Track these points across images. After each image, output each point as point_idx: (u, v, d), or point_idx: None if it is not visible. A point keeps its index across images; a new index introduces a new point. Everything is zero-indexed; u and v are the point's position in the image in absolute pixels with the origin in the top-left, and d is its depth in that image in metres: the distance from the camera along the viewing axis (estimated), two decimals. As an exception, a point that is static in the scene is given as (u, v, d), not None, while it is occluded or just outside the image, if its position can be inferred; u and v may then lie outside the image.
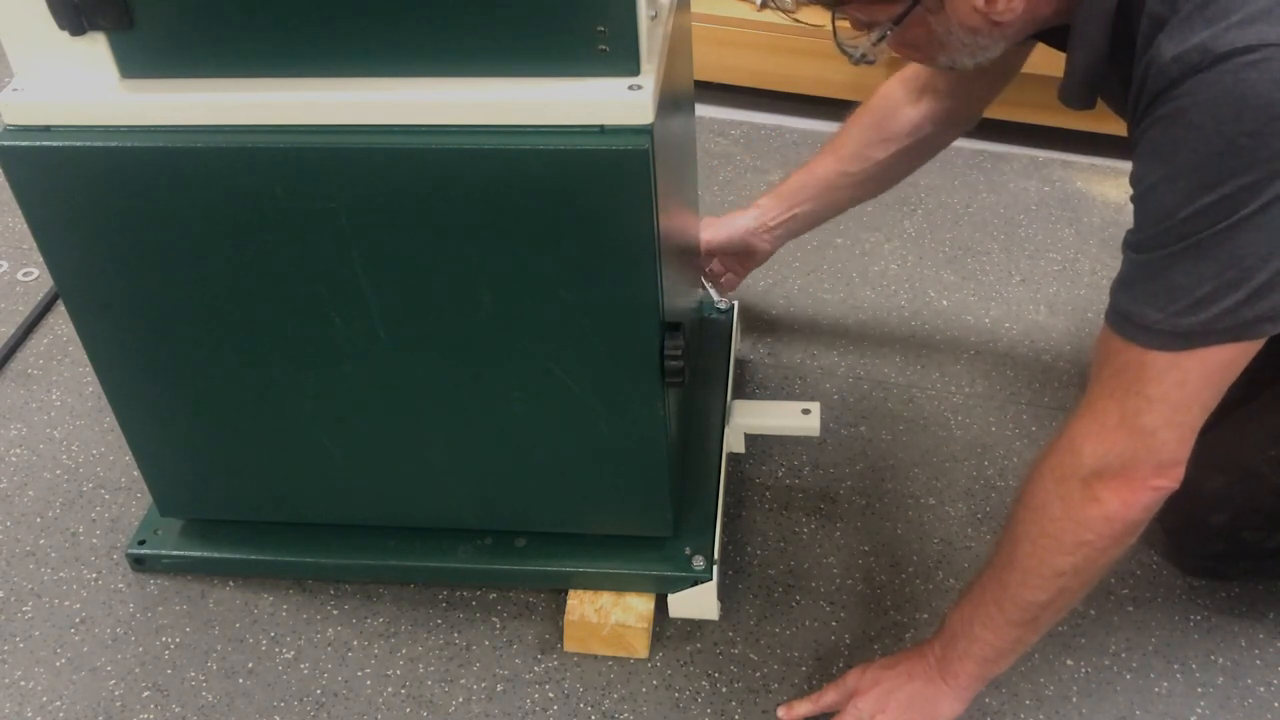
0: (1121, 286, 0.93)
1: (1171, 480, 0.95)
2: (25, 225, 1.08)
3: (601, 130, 0.97)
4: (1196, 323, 0.87)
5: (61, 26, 0.96)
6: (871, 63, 1.05)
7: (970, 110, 1.42)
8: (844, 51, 1.06)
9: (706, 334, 1.59)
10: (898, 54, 1.09)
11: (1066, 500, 0.98)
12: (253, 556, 1.38)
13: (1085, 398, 0.98)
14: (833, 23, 1.06)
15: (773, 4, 2.14)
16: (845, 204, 1.53)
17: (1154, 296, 0.89)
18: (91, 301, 1.14)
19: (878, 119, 1.44)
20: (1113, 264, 1.86)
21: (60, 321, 1.80)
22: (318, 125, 1.00)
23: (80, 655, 1.33)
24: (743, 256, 1.59)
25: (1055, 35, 1.02)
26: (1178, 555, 1.37)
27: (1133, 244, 0.92)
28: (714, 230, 1.55)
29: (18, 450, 1.59)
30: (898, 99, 1.42)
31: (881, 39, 1.02)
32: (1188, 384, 0.90)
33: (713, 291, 1.63)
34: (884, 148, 1.43)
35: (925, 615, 1.34)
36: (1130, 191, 0.93)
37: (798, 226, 1.54)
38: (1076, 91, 1.01)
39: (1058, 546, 1.00)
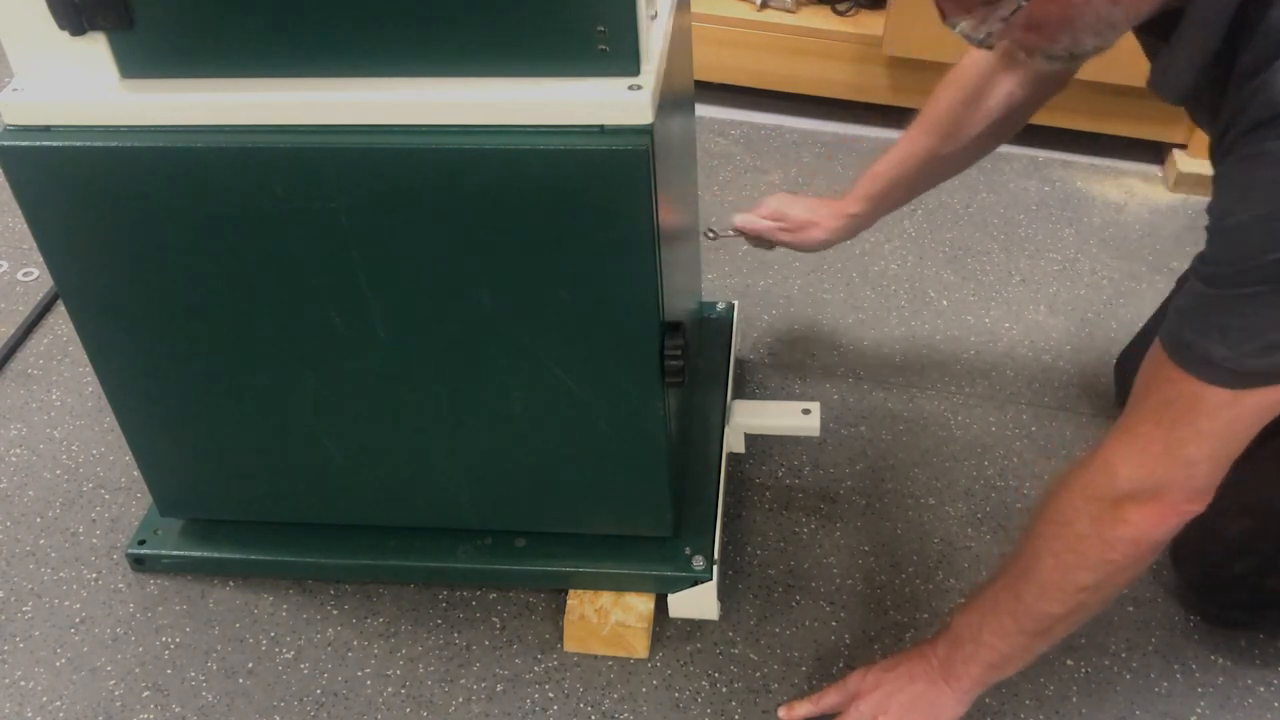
0: (1185, 316, 0.90)
1: (1201, 506, 0.94)
2: (25, 225, 1.08)
3: (601, 130, 0.97)
4: (1265, 365, 0.86)
5: (61, 26, 0.96)
6: (991, 46, 0.94)
7: (1056, 81, 1.33)
8: (964, 36, 0.94)
9: (706, 334, 1.59)
10: (1013, 40, 0.95)
11: (1096, 519, 0.97)
12: (253, 556, 1.38)
13: (1126, 418, 0.96)
14: (942, 12, 0.93)
15: (773, 4, 2.14)
16: (923, 190, 1.47)
17: (1223, 333, 0.86)
18: (91, 301, 1.14)
19: (969, 87, 1.33)
20: (1113, 264, 1.87)
21: (60, 321, 1.80)
22: (318, 125, 1.00)
23: (80, 655, 1.33)
24: (793, 228, 1.48)
25: (1154, 25, 0.94)
26: (1199, 604, 1.33)
27: (1206, 276, 0.88)
28: (786, 197, 1.49)
29: (18, 450, 1.59)
30: (985, 66, 1.31)
31: (1016, 10, 0.89)
32: (1239, 421, 0.89)
33: (713, 229, 1.55)
34: (978, 121, 1.34)
35: (925, 615, 1.34)
36: (1208, 220, 0.89)
37: (865, 223, 1.47)
38: (1178, 83, 0.94)
39: (1081, 562, 0.99)
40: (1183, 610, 1.34)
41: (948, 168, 1.43)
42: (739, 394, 1.61)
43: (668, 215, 1.09)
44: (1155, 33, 0.94)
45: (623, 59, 0.96)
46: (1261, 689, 1.26)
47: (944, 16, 0.93)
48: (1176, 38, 0.92)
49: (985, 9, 0.89)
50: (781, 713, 1.22)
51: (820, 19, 2.13)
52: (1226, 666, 1.28)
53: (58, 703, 1.29)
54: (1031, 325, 1.74)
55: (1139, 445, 0.94)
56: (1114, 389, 1.57)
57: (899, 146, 1.41)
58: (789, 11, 2.14)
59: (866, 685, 1.16)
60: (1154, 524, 0.95)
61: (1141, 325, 1.53)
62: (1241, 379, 0.87)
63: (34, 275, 1.90)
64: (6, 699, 1.29)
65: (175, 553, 1.39)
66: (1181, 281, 1.14)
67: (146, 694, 1.29)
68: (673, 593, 1.31)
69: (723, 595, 1.34)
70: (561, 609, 1.33)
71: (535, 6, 0.93)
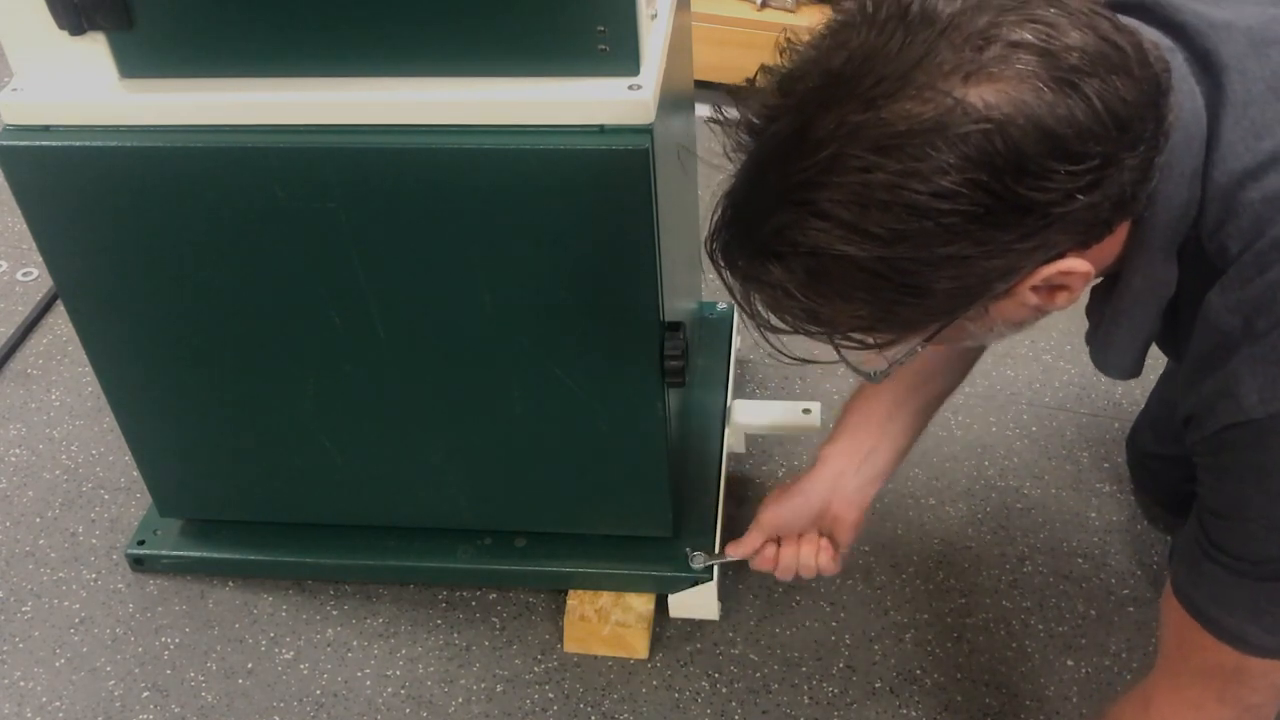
0: (1208, 595, 0.84)
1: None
2: (25, 225, 1.08)
3: (601, 130, 0.97)
4: None
5: (61, 26, 0.96)
6: (887, 376, 0.89)
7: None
8: (859, 373, 0.88)
9: (706, 334, 1.59)
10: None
11: None
12: (253, 556, 1.38)
13: (1170, 678, 0.92)
14: (836, 347, 0.81)
15: (773, 4, 2.14)
16: (921, 425, 1.17)
17: (1257, 618, 0.82)
18: (91, 301, 1.14)
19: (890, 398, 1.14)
20: (1113, 264, 1.86)
21: (60, 321, 1.80)
22: (317, 125, 1.00)
23: (80, 655, 1.33)
24: (831, 526, 1.14)
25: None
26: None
27: (1221, 563, 0.82)
28: (782, 507, 1.13)
29: (17, 450, 1.59)
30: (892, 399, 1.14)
31: (910, 353, 0.84)
32: None
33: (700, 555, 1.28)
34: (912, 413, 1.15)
35: (925, 615, 1.34)
36: (1203, 501, 0.84)
37: (882, 465, 1.14)
38: (1121, 364, 0.88)
39: None
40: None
41: (928, 409, 1.18)
42: (739, 394, 1.61)
43: (668, 215, 1.09)
44: (1094, 293, 0.88)
45: (623, 59, 0.96)
46: (1262, 689, 1.26)
47: (851, 366, 0.85)
48: (1110, 319, 0.86)
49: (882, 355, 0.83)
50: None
51: (821, 19, 2.13)
52: (1227, 666, 1.28)
53: (57, 703, 1.29)
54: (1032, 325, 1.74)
55: (1194, 706, 0.89)
56: (1125, 456, 1.52)
57: (884, 442, 1.14)
58: (789, 11, 2.14)
59: None
60: None
61: (1146, 401, 1.47)
62: None
63: (34, 275, 1.90)
64: (6, 699, 1.29)
65: (175, 553, 1.39)
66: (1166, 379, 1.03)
67: (146, 694, 1.29)
68: (673, 593, 1.31)
69: (723, 595, 1.34)
70: (561, 609, 1.32)
71: (535, 6, 0.93)
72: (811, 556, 1.13)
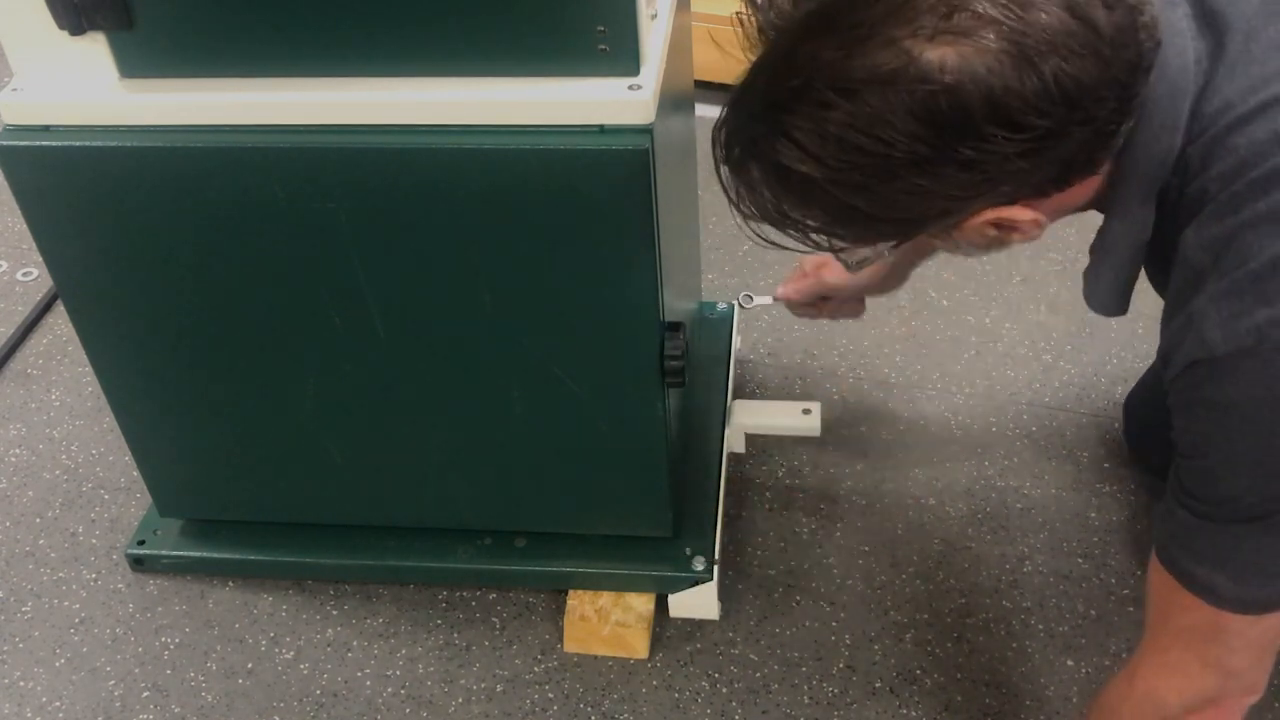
0: (1181, 544, 0.87)
1: (1260, 694, 0.92)
2: (25, 225, 1.08)
3: (601, 130, 0.97)
4: (1275, 593, 0.84)
5: (61, 26, 0.96)
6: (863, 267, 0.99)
7: None
8: (838, 259, 0.97)
9: (706, 334, 1.59)
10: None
11: None
12: (253, 556, 1.38)
13: (1153, 642, 0.93)
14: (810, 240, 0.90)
15: (773, 4, 2.13)
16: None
17: (1224, 566, 0.84)
18: (91, 301, 1.14)
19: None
20: (1113, 264, 1.86)
21: (60, 321, 1.80)
22: (317, 125, 1.00)
23: (80, 655, 1.33)
24: (838, 301, 1.42)
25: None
26: None
27: (1189, 508, 0.85)
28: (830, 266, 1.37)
29: (17, 450, 1.59)
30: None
31: (879, 255, 0.94)
32: (1270, 631, 0.87)
33: (749, 296, 1.51)
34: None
35: (925, 615, 1.34)
36: (1177, 444, 0.86)
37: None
38: (1107, 303, 0.94)
39: None
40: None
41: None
42: (739, 394, 1.61)
43: (668, 215, 1.09)
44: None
45: (623, 59, 0.96)
46: (1262, 689, 1.26)
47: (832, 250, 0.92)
48: (1097, 258, 0.92)
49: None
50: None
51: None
52: (1227, 666, 1.28)
53: (57, 703, 1.29)
54: (1032, 325, 1.74)
55: (1178, 672, 0.91)
56: (1121, 422, 1.54)
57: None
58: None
59: None
60: None
61: (1147, 367, 1.49)
62: (1255, 606, 0.85)
63: (34, 275, 1.90)
64: (6, 699, 1.29)
65: (175, 553, 1.39)
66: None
67: (146, 694, 1.29)
68: (673, 593, 1.31)
69: (723, 595, 1.34)
70: (561, 609, 1.32)
71: (535, 6, 0.93)
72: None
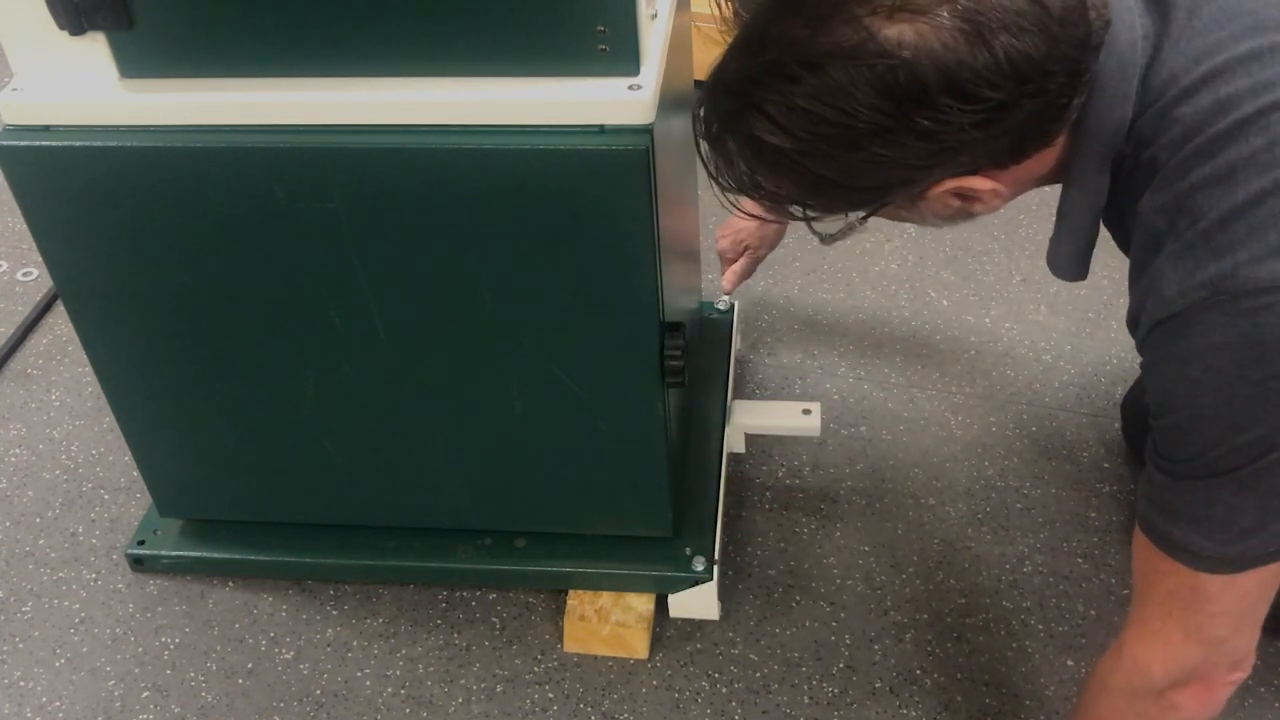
0: (1157, 507, 0.89)
1: (1246, 670, 0.93)
2: (25, 225, 1.08)
3: (601, 130, 0.97)
4: (1247, 549, 0.85)
5: (61, 26, 0.96)
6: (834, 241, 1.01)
7: None
8: (811, 231, 0.98)
9: (706, 334, 1.59)
10: None
11: (1145, 714, 0.95)
12: (252, 556, 1.38)
13: (1137, 613, 0.95)
14: (784, 210, 0.94)
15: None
16: None
17: (1196, 524, 0.86)
18: (91, 301, 1.14)
19: None
20: (1112, 263, 1.86)
21: (60, 321, 1.80)
22: (318, 125, 1.00)
23: (80, 655, 1.33)
24: (759, 238, 1.57)
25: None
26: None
27: (1163, 469, 0.88)
28: (735, 227, 1.56)
29: (17, 450, 1.59)
30: None
31: (850, 228, 0.97)
32: (1248, 595, 0.88)
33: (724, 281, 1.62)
34: None
35: (925, 615, 1.34)
36: (1150, 405, 0.88)
37: None
38: (1069, 269, 0.98)
39: None
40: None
41: None
42: (739, 394, 1.61)
43: (668, 215, 1.09)
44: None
45: (623, 59, 0.96)
46: (1262, 689, 1.26)
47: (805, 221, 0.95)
48: (1058, 225, 0.96)
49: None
50: None
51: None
52: (1227, 666, 1.28)
53: (57, 703, 1.29)
54: (1031, 325, 1.74)
55: (1160, 640, 0.92)
56: (1120, 421, 1.54)
57: None
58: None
59: None
60: (1204, 702, 0.93)
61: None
62: (1228, 565, 0.86)
63: (34, 275, 1.90)
64: (6, 699, 1.29)
65: (175, 553, 1.39)
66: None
67: (146, 694, 1.29)
68: (673, 593, 1.31)
69: (723, 595, 1.34)
70: (561, 609, 1.33)
71: (535, 6, 0.93)
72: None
